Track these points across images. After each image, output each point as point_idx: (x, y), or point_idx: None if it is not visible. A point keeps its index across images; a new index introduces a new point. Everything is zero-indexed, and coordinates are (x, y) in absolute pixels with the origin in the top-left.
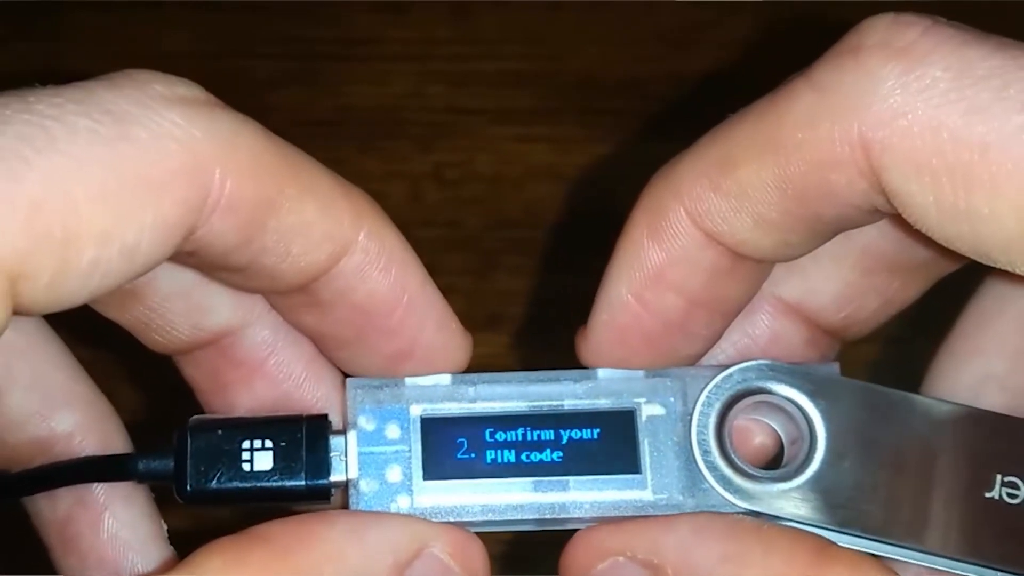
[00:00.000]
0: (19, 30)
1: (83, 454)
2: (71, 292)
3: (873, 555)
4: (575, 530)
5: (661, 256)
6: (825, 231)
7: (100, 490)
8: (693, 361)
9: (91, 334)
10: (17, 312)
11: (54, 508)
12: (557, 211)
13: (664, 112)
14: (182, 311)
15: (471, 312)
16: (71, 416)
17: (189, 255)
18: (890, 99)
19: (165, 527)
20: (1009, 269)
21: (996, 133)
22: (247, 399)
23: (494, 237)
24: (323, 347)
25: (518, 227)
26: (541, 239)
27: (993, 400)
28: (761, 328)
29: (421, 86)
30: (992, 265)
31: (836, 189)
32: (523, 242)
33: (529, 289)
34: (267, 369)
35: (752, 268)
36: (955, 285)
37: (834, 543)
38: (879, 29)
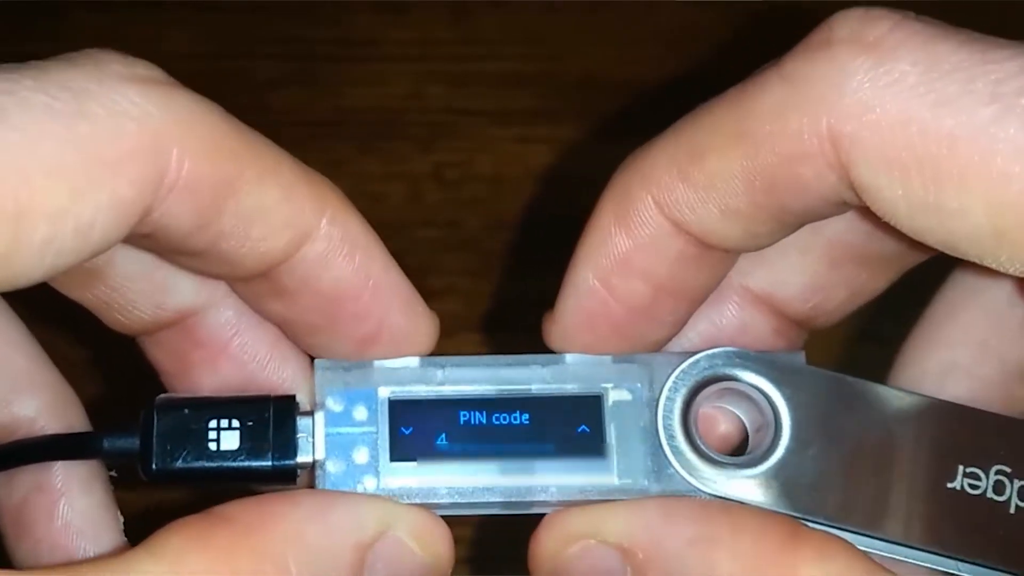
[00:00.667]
0: (19, 30)
1: None
2: (24, 269)
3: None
4: (541, 515)
5: (628, 243)
6: (792, 222)
7: (59, 476)
8: (659, 347)
9: (53, 317)
10: None
11: (11, 493)
12: (556, 212)
13: (663, 113)
14: (144, 290)
15: (470, 313)
16: (33, 401)
17: (145, 237)
18: (859, 93)
19: (121, 519)
20: (977, 262)
21: (964, 126)
22: (211, 380)
23: (494, 238)
24: (290, 334)
25: (517, 228)
26: (540, 240)
27: (958, 389)
28: (729, 318)
29: (421, 87)
30: (961, 257)
31: (804, 182)
32: (522, 243)
33: (528, 290)
34: (231, 350)
35: (719, 256)
36: (927, 279)
37: (804, 525)
38: (849, 23)
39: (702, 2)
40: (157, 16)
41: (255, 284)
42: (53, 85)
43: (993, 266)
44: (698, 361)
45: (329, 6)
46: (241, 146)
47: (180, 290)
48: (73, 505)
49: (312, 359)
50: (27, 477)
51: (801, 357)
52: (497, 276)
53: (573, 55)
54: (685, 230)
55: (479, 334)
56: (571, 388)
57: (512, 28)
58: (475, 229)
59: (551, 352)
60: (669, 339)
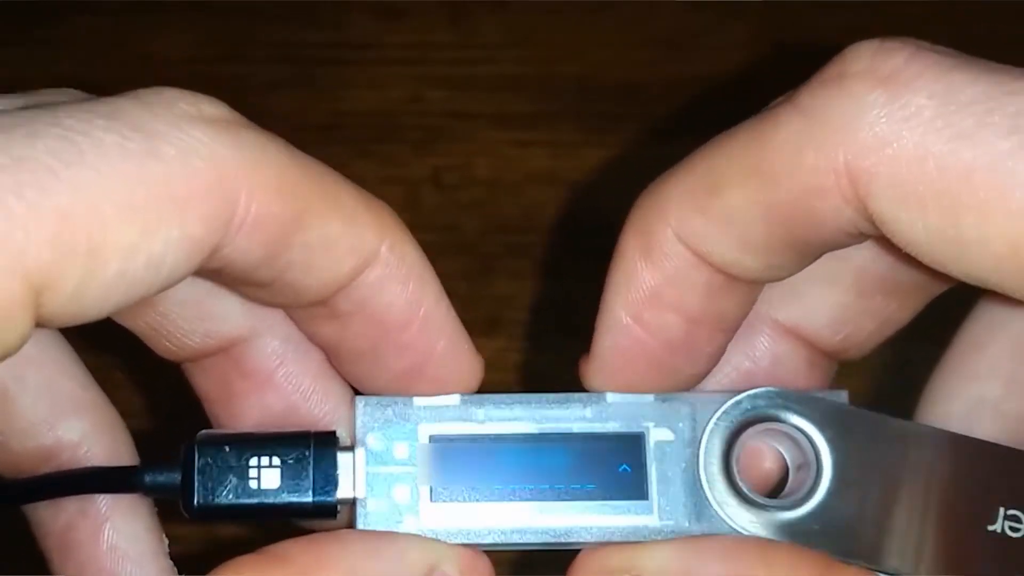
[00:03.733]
0: (17, 34)
1: (89, 463)
2: (94, 304)
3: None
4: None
5: (656, 276)
6: (811, 253)
7: (103, 501)
8: (699, 380)
9: (101, 341)
10: (39, 324)
11: (55, 517)
12: (555, 216)
13: (662, 116)
14: (194, 318)
15: (469, 316)
16: (79, 424)
17: (215, 272)
18: (876, 127)
19: (166, 542)
20: (999, 291)
21: (982, 159)
22: (255, 410)
23: (492, 241)
24: (336, 360)
25: (516, 231)
26: (539, 243)
27: (987, 425)
28: (762, 351)
29: (419, 90)
30: (983, 287)
31: (821, 216)
32: (521, 246)
33: (527, 294)
34: (276, 380)
35: (746, 285)
36: (960, 302)
37: (838, 561)
38: (864, 56)
39: (700, 4)
40: (155, 19)
41: (312, 307)
42: (125, 125)
43: (1018, 296)
44: (740, 402)
45: (327, 9)
46: (306, 180)
47: (230, 318)
48: (118, 529)
49: (354, 392)
50: (72, 502)
51: (844, 396)
52: (495, 280)
53: (571, 58)
54: (707, 261)
55: (478, 338)
56: (612, 427)
57: (510, 31)
58: (473, 233)
59: (577, 382)
60: (707, 372)
